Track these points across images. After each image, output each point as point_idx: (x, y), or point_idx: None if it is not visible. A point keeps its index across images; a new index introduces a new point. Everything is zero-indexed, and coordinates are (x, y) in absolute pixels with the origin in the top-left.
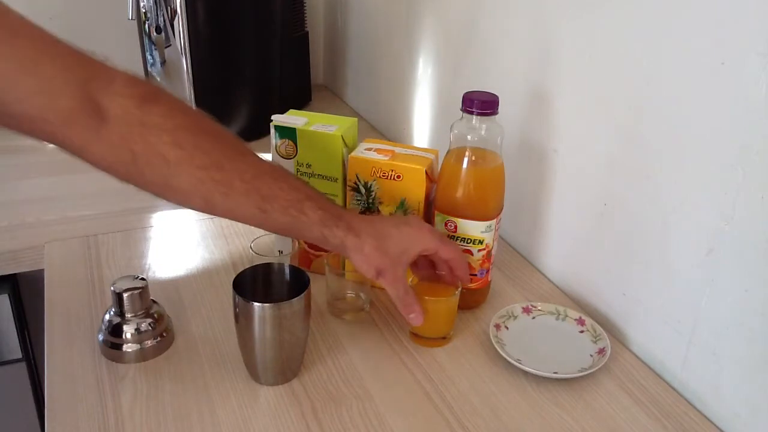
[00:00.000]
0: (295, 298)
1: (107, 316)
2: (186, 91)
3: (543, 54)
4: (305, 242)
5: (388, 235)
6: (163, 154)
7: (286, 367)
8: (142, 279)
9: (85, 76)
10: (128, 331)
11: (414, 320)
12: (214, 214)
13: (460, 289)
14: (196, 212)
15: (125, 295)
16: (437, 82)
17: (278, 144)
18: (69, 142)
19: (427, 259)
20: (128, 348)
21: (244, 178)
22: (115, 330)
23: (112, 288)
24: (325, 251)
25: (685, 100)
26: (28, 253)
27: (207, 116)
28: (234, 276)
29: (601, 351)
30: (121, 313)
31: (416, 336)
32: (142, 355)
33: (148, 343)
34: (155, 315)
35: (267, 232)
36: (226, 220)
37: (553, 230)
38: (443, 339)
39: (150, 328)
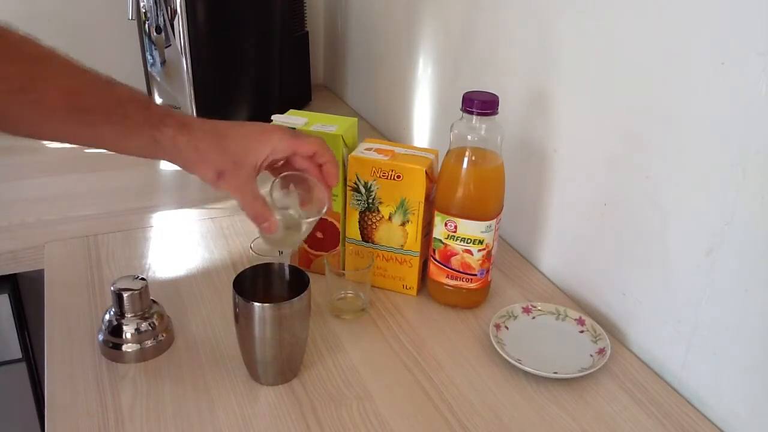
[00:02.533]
0: (295, 298)
1: (107, 316)
2: (186, 91)
3: (543, 54)
4: (305, 242)
5: (228, 134)
6: None
7: (286, 367)
8: (142, 279)
9: None
10: (128, 331)
11: (266, 229)
12: (45, 139)
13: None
14: (196, 212)
15: (125, 295)
16: (437, 82)
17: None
18: None
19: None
20: (128, 348)
21: (65, 95)
22: (115, 330)
23: (111, 288)
24: (325, 251)
25: (685, 100)
26: (28, 253)
27: (25, 36)
28: (234, 276)
29: (601, 351)
30: (121, 313)
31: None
32: (142, 355)
33: (148, 343)
34: (155, 315)
35: None
36: (226, 220)
37: (553, 230)
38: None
39: (150, 328)
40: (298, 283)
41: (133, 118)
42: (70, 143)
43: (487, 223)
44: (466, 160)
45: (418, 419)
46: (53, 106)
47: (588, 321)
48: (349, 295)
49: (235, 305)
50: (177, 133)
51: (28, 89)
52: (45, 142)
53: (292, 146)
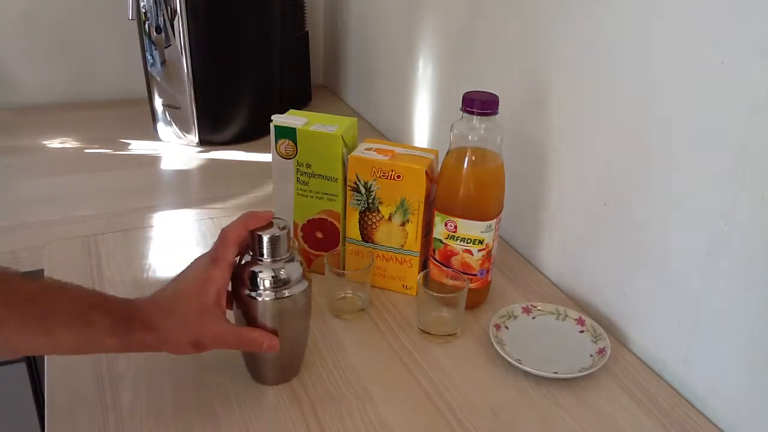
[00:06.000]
0: (297, 293)
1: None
2: (186, 91)
3: (543, 54)
4: (303, 240)
5: (175, 304)
6: None
7: (287, 365)
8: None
9: None
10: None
11: (272, 348)
12: (8, 356)
13: (468, 284)
14: (196, 212)
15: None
16: (437, 82)
17: (278, 144)
18: None
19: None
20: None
21: (13, 306)
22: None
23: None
24: (325, 251)
25: (685, 100)
26: (28, 253)
27: None
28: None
29: (601, 351)
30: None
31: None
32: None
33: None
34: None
35: None
36: (226, 220)
37: (553, 230)
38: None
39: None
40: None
41: (98, 326)
42: (28, 354)
43: (487, 223)
44: (466, 160)
45: (418, 419)
46: (10, 320)
47: (588, 321)
48: (349, 295)
49: (235, 300)
50: (144, 335)
51: None
52: (45, 142)
53: (223, 248)
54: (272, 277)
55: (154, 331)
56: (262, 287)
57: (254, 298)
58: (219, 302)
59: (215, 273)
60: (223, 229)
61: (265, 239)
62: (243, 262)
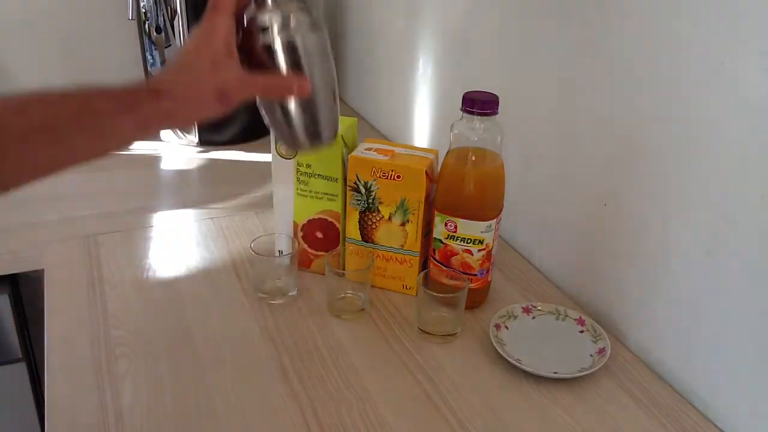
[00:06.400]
0: (318, 31)
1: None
2: None
3: (543, 54)
4: (303, 240)
5: (183, 62)
6: None
7: (322, 119)
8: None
9: None
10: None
11: (303, 89)
12: (23, 181)
13: (468, 284)
14: (196, 212)
15: None
16: (437, 82)
17: (278, 144)
18: None
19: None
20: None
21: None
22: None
23: None
24: (325, 251)
25: (684, 100)
26: (28, 253)
27: None
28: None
29: (601, 351)
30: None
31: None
32: None
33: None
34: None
35: (267, 232)
36: (226, 220)
37: (554, 230)
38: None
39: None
40: None
41: (105, 111)
42: (53, 173)
43: (487, 223)
44: (466, 160)
45: (418, 419)
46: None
47: (588, 321)
48: (349, 295)
49: (250, 56)
50: (158, 102)
51: None
52: None
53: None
54: (287, 16)
55: (168, 93)
56: (277, 28)
57: (271, 44)
58: (230, 51)
59: (217, 19)
60: None
61: None
62: (249, 15)
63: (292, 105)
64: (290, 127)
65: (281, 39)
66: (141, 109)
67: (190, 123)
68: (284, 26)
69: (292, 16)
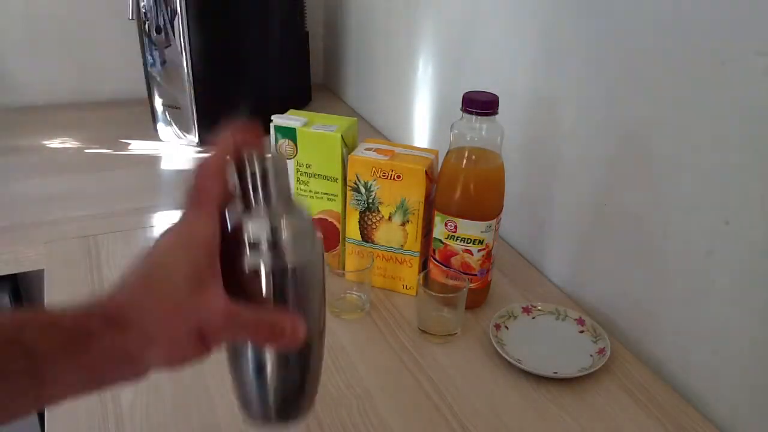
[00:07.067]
0: (317, 252)
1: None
2: (186, 91)
3: (543, 54)
4: None
5: (153, 272)
6: None
7: (306, 385)
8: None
9: None
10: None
11: (296, 334)
12: None
13: (467, 284)
14: None
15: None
16: (437, 82)
17: (278, 144)
18: None
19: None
20: None
21: None
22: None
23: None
24: (325, 251)
25: (685, 100)
26: (28, 253)
27: None
28: None
29: (601, 351)
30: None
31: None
32: None
33: None
34: None
35: None
36: None
37: (553, 230)
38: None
39: None
40: None
41: (40, 348)
42: None
43: (487, 223)
44: (466, 160)
45: (418, 419)
46: None
47: (588, 321)
48: (349, 295)
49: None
50: (113, 338)
51: None
52: (45, 142)
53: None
54: (289, 229)
55: (133, 324)
56: (269, 247)
57: (260, 264)
58: (214, 267)
59: (198, 220)
60: (198, 163)
61: (270, 168)
62: (233, 218)
63: (273, 357)
64: (261, 387)
65: (274, 262)
66: (92, 346)
67: (147, 374)
68: (278, 243)
69: (285, 224)
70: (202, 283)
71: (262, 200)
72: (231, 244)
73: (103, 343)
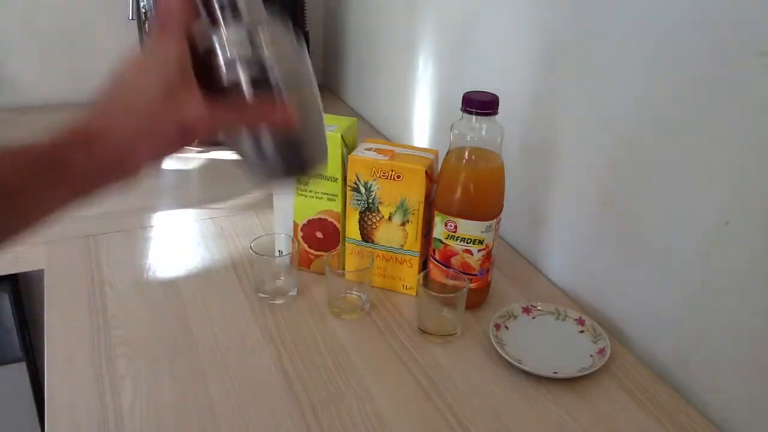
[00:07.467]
0: (296, 44)
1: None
2: None
3: (543, 54)
4: (303, 241)
5: (126, 88)
6: None
7: (304, 141)
8: None
9: None
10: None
11: (288, 119)
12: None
13: (468, 284)
14: (196, 212)
15: None
16: (437, 82)
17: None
18: None
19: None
20: None
21: None
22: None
23: None
24: (325, 251)
25: (684, 100)
26: (28, 253)
27: None
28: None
29: (601, 351)
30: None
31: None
32: None
33: None
34: None
35: (267, 232)
36: (226, 220)
37: (554, 230)
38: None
39: None
40: None
41: (11, 180)
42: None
43: (487, 223)
44: (466, 160)
45: (418, 419)
46: None
47: (588, 321)
48: (349, 295)
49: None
50: (88, 149)
51: None
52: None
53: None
54: (254, 30)
55: (106, 134)
56: (243, 47)
57: (237, 66)
58: (188, 77)
59: (168, 40)
60: None
61: None
62: (203, 33)
63: (272, 137)
64: (260, 151)
65: (252, 60)
66: (67, 172)
67: (140, 171)
68: (253, 43)
69: (261, 29)
70: (177, 91)
71: (230, 13)
72: (203, 60)
73: (77, 163)
